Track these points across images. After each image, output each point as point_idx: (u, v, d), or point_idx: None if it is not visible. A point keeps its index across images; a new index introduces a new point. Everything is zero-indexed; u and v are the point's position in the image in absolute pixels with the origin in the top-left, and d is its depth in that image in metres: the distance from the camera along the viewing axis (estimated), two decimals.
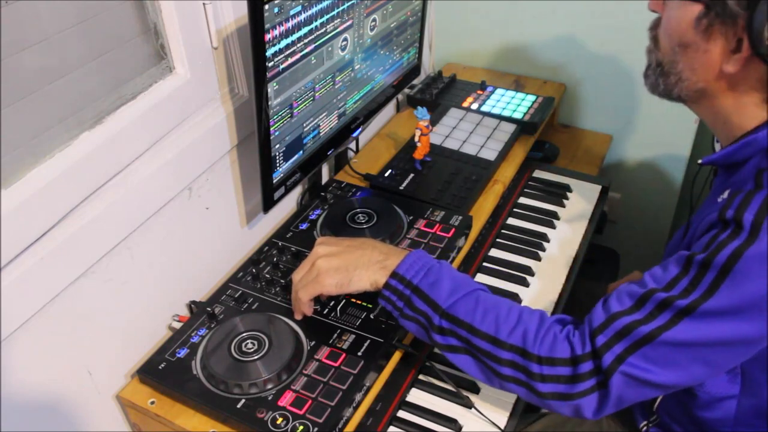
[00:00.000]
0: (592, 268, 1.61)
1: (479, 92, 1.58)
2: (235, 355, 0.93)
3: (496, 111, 1.49)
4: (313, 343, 0.96)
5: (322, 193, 1.24)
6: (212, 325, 0.99)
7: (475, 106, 1.52)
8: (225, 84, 1.09)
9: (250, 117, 1.01)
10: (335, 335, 0.97)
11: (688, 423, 0.95)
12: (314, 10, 1.01)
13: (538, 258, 1.27)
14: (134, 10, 0.96)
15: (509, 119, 1.46)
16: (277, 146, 1.05)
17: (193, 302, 1.08)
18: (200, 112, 1.06)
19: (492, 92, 1.58)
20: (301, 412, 0.87)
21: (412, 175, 1.29)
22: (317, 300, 1.01)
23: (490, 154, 1.35)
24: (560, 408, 0.83)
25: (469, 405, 1.00)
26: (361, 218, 1.16)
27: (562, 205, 1.41)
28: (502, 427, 0.98)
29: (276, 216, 1.29)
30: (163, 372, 0.93)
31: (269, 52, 0.94)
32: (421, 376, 1.06)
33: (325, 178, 1.38)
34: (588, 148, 1.65)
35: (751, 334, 0.74)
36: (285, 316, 1.00)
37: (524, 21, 1.62)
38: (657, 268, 0.81)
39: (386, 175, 1.29)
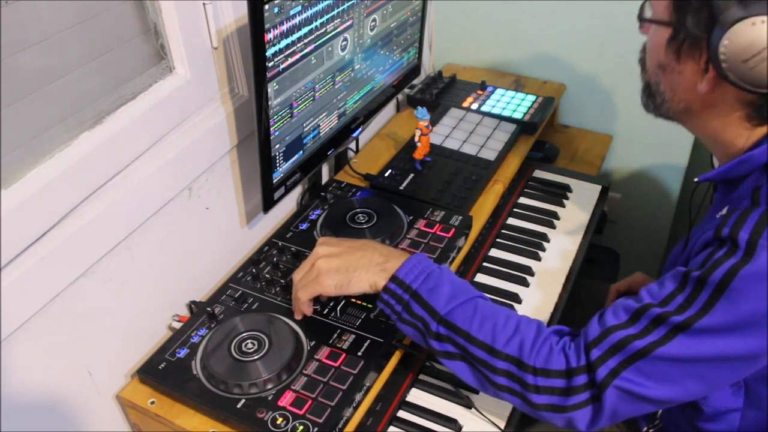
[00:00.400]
0: (592, 268, 1.61)
1: (479, 92, 1.58)
2: (235, 355, 0.93)
3: (496, 111, 1.49)
4: (313, 343, 0.96)
5: (322, 193, 1.24)
6: (212, 325, 0.99)
7: (475, 106, 1.52)
8: (225, 84, 1.09)
9: (250, 117, 1.01)
10: (335, 335, 0.97)
11: None
12: (314, 10, 1.01)
13: (537, 258, 1.27)
14: (134, 10, 0.96)
15: (509, 119, 1.46)
16: (277, 146, 1.05)
17: (193, 302, 1.08)
18: (200, 112, 1.06)
19: (492, 92, 1.58)
20: (301, 412, 0.87)
21: (412, 175, 1.29)
22: (317, 300, 1.01)
23: (490, 154, 1.35)
24: (553, 420, 0.83)
25: (469, 405, 1.00)
26: (361, 218, 1.16)
27: (562, 205, 1.41)
28: (502, 427, 0.98)
29: (276, 216, 1.29)
30: (163, 372, 0.93)
31: (269, 52, 0.94)
32: (421, 376, 1.06)
33: (325, 178, 1.38)
34: (588, 148, 1.65)
35: (746, 350, 0.74)
36: (285, 316, 1.00)
37: (524, 21, 1.62)
38: (654, 284, 0.81)
39: (386, 175, 1.29)
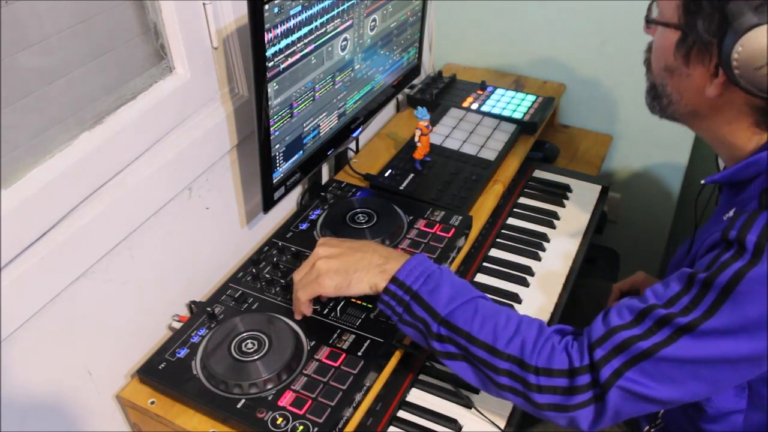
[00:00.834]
0: (592, 268, 1.61)
1: (479, 92, 1.58)
2: (235, 355, 0.93)
3: (496, 111, 1.49)
4: (313, 343, 0.96)
5: (322, 193, 1.24)
6: (212, 325, 0.99)
7: (475, 106, 1.52)
8: (225, 84, 1.09)
9: (250, 117, 1.01)
10: (335, 335, 0.97)
11: None
12: (314, 10, 1.01)
13: (538, 258, 1.27)
14: (134, 10, 0.96)
15: (509, 119, 1.46)
16: (277, 146, 1.05)
17: (193, 302, 1.08)
18: (200, 112, 1.06)
19: (492, 92, 1.58)
20: (301, 412, 0.87)
21: (412, 175, 1.29)
22: (317, 300, 1.01)
23: (490, 154, 1.35)
24: (556, 419, 0.83)
25: (469, 405, 1.00)
26: (361, 218, 1.16)
27: (562, 205, 1.41)
28: (502, 427, 0.98)
29: (276, 216, 1.29)
30: (163, 372, 0.93)
31: (269, 52, 0.94)
32: (421, 376, 1.06)
33: (325, 178, 1.38)
34: (588, 148, 1.65)
35: (751, 353, 0.74)
36: (285, 316, 1.00)
37: (524, 21, 1.62)
38: (659, 285, 0.81)
39: (386, 175, 1.29)
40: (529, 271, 1.23)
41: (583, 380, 0.80)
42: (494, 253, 1.28)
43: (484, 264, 1.25)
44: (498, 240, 1.31)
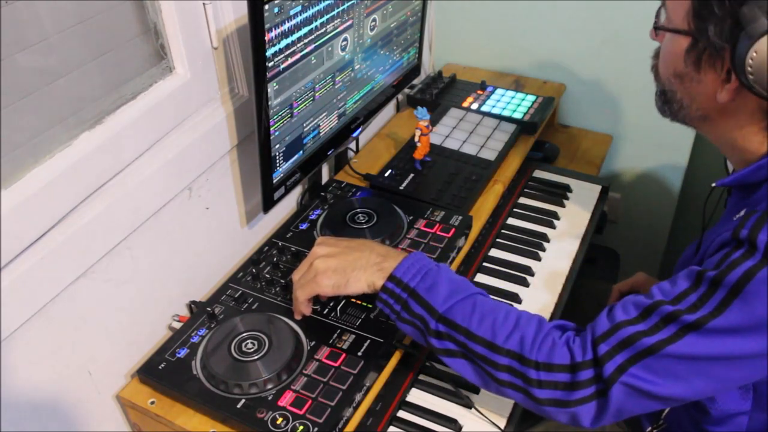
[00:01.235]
0: (592, 268, 1.61)
1: (479, 92, 1.58)
2: (235, 355, 0.93)
3: (496, 111, 1.49)
4: (313, 343, 0.96)
5: (322, 193, 1.24)
6: (212, 325, 0.99)
7: (475, 106, 1.52)
8: (225, 84, 1.09)
9: (250, 117, 1.01)
10: (335, 335, 0.97)
11: None
12: (314, 10, 1.01)
13: (538, 258, 1.27)
14: (134, 10, 0.96)
15: (509, 119, 1.46)
16: (277, 146, 1.05)
17: (193, 302, 1.08)
18: (200, 112, 1.06)
19: (492, 92, 1.58)
20: (301, 412, 0.87)
21: (412, 175, 1.29)
22: (317, 300, 1.01)
23: (490, 154, 1.35)
24: (557, 415, 0.83)
25: (469, 405, 1.00)
26: (361, 218, 1.16)
27: (562, 205, 1.41)
28: (502, 428, 0.98)
29: (276, 216, 1.29)
30: (163, 372, 0.93)
31: (269, 52, 0.94)
32: (421, 376, 1.06)
33: (325, 178, 1.38)
34: (588, 148, 1.65)
35: (758, 351, 0.73)
36: (285, 316, 1.00)
37: (524, 21, 1.62)
38: (665, 282, 0.81)
39: (386, 175, 1.29)
40: (529, 271, 1.23)
41: (585, 375, 0.80)
42: (494, 253, 1.28)
43: (484, 264, 1.25)
44: (498, 240, 1.31)
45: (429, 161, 1.32)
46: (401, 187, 1.26)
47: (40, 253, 0.82)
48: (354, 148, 1.43)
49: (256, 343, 0.94)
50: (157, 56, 1.00)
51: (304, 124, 1.11)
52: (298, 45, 1.01)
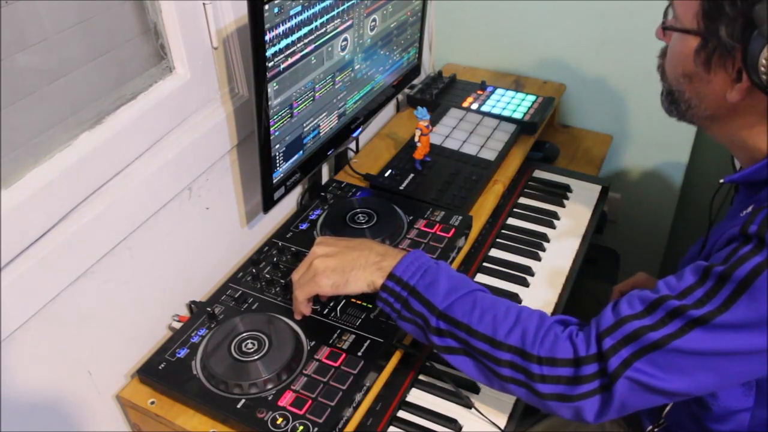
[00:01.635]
0: (592, 268, 1.61)
1: (479, 92, 1.58)
2: (235, 355, 0.93)
3: (496, 111, 1.49)
4: (313, 343, 0.96)
5: (322, 193, 1.24)
6: (212, 325, 0.99)
7: (475, 106, 1.52)
8: (225, 84, 1.10)
9: (250, 117, 1.01)
10: (335, 335, 0.97)
11: None
12: (314, 10, 1.01)
13: (538, 258, 1.27)
14: (134, 10, 0.96)
15: (509, 119, 1.46)
16: (277, 146, 1.05)
17: (193, 302, 1.08)
18: (200, 112, 1.06)
19: (492, 92, 1.58)
20: (301, 412, 0.87)
21: (412, 175, 1.29)
22: (317, 300, 1.01)
23: (490, 154, 1.35)
24: (560, 410, 0.82)
25: (469, 405, 1.00)
26: (361, 218, 1.16)
27: (562, 205, 1.41)
28: (502, 428, 0.98)
29: (276, 216, 1.29)
30: (163, 372, 0.93)
31: (269, 52, 0.94)
32: (421, 376, 1.06)
33: (325, 178, 1.38)
34: (588, 148, 1.65)
35: (763, 347, 0.73)
36: (285, 316, 1.00)
37: (524, 21, 1.62)
38: (671, 276, 0.80)
39: (386, 175, 1.29)
40: (529, 271, 1.23)
41: (589, 369, 0.79)
42: (494, 253, 1.28)
43: (484, 264, 1.25)
44: (498, 240, 1.31)
45: (429, 161, 1.32)
46: (401, 187, 1.26)
47: (40, 253, 0.82)
48: (354, 148, 1.43)
49: (256, 343, 0.94)
50: (157, 56, 1.00)
51: (304, 124, 1.11)
52: (298, 45, 1.01)
